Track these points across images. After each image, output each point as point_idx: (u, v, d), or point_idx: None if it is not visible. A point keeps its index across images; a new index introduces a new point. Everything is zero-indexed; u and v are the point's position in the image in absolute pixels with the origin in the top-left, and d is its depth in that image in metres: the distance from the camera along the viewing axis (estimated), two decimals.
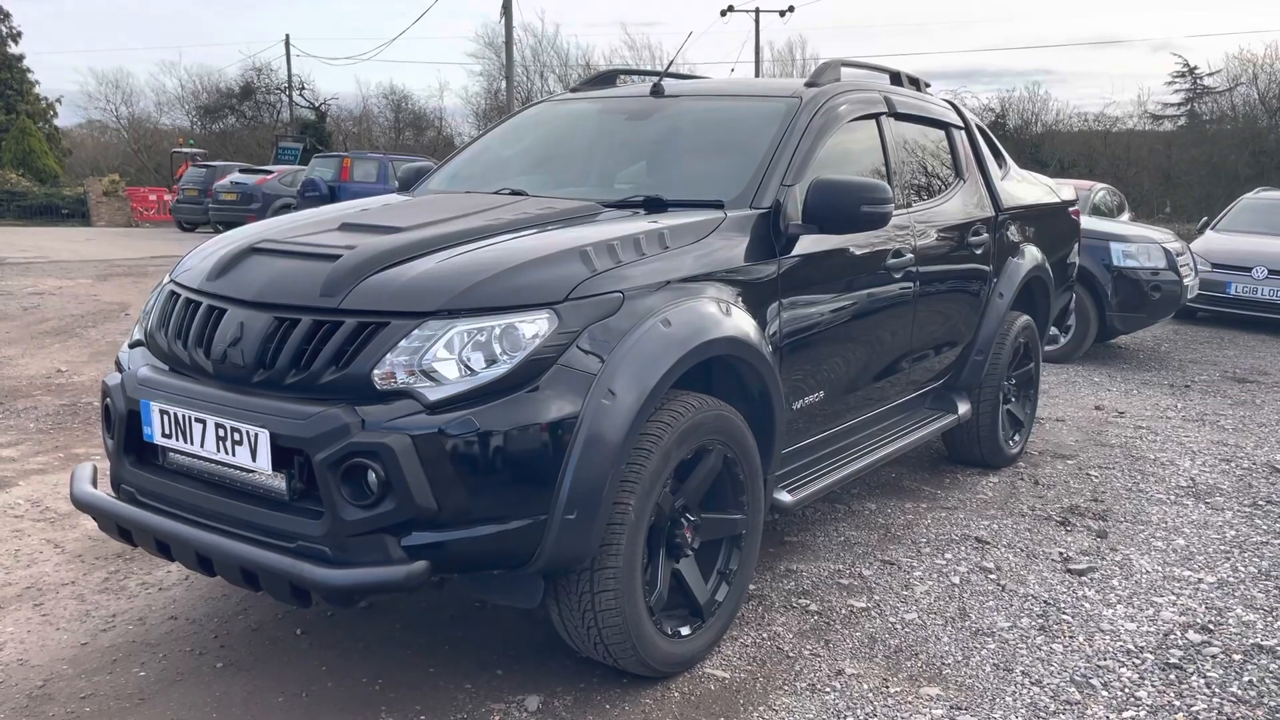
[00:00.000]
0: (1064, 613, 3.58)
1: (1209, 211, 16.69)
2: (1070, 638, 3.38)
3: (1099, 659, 3.24)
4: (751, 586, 3.67)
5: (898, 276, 4.13)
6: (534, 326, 2.63)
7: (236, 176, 22.43)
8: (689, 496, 3.04)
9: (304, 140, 34.71)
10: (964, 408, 5.01)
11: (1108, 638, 3.39)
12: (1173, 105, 33.32)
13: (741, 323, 3.13)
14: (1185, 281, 8.91)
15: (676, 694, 2.95)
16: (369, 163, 21.68)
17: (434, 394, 2.54)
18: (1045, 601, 3.67)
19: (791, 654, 3.21)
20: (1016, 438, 5.55)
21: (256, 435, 2.58)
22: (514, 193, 3.77)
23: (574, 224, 3.16)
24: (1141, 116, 33.23)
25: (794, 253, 3.47)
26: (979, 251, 4.89)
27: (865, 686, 3.01)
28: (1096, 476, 5.34)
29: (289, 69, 43.12)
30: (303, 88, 43.32)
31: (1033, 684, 3.06)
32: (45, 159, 32.67)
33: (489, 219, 3.17)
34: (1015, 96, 41.41)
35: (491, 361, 2.58)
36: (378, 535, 2.51)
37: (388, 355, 2.57)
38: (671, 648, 2.96)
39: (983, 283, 4.99)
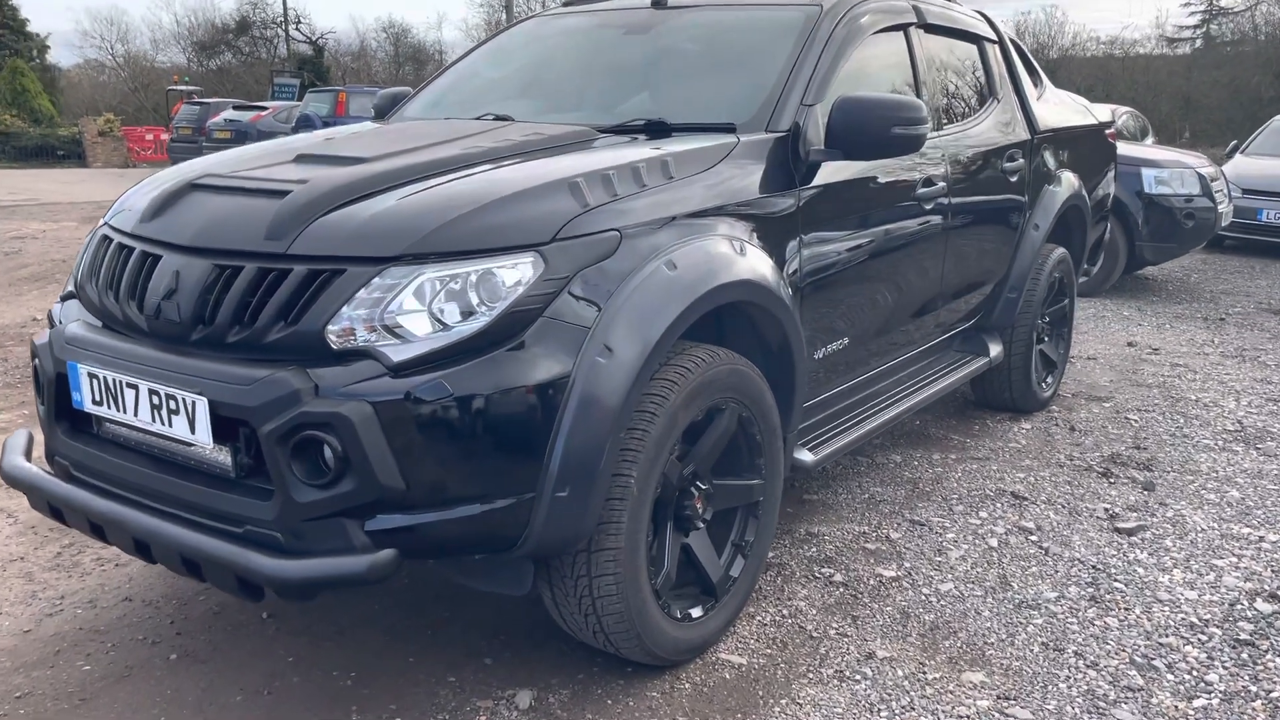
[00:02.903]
0: (1115, 579, 3.23)
1: (1232, 135, 16.04)
2: (1125, 610, 3.03)
3: (1160, 635, 2.89)
4: (770, 554, 3.33)
5: (928, 208, 3.72)
6: (516, 272, 2.24)
7: (230, 114, 21.79)
8: (699, 462, 2.67)
9: (301, 76, 33.92)
10: (995, 349, 4.62)
11: (1167, 609, 3.04)
12: (1188, 28, 32.28)
13: (758, 264, 2.74)
14: (1220, 209, 8.43)
15: (687, 685, 2.61)
16: (365, 97, 21.03)
17: (399, 354, 2.16)
18: (1094, 566, 3.32)
19: (816, 634, 2.87)
20: (1050, 380, 5.17)
21: (194, 403, 2.21)
22: (498, 118, 3.36)
23: (564, 152, 2.75)
24: (1159, 40, 32.22)
25: (815, 182, 3.06)
26: (1014, 179, 4.46)
27: (900, 673, 2.67)
28: (1136, 420, 4.96)
29: (285, 2, 42.08)
30: (299, 22, 42.41)
31: (1088, 667, 2.72)
32: (39, 99, 31.93)
33: (466, 148, 2.76)
34: (1031, 20, 40.23)
35: (466, 314, 2.19)
36: (337, 519, 2.16)
37: (344, 309, 2.18)
38: (681, 633, 2.62)
39: (1018, 213, 4.56)
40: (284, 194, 2.36)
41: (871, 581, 3.18)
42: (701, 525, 2.70)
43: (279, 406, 2.11)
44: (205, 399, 2.19)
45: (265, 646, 2.75)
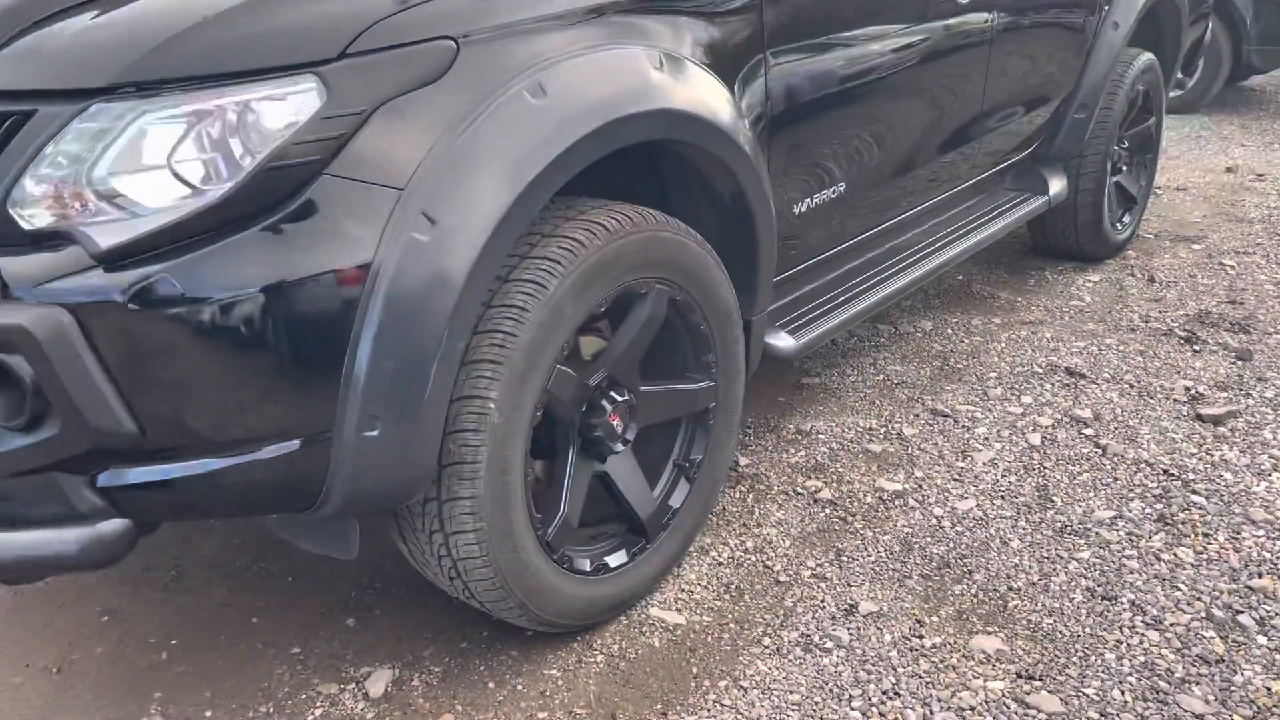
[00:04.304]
0: (1194, 490, 2.48)
1: None
2: (1204, 536, 2.30)
3: (1251, 575, 2.16)
4: (743, 461, 2.64)
5: (964, 1, 2.81)
6: (283, 108, 1.49)
7: None
8: (615, 366, 1.96)
9: None
10: (1057, 185, 3.73)
11: (1263, 535, 2.30)
12: None
13: (692, 85, 1.94)
14: None
15: (600, 656, 1.98)
16: None
17: (108, 235, 1.45)
18: (1165, 472, 2.56)
19: (784, 577, 2.20)
20: (1127, 219, 4.26)
21: None
22: None
23: None
24: None
25: None
26: None
27: (887, 638, 2.00)
28: (1232, 267, 4.06)
29: None
30: None
31: (1148, 625, 2.01)
32: None
33: None
34: None
35: (209, 175, 1.47)
36: (48, 475, 1.51)
37: (33, 168, 1.47)
38: (591, 590, 1.98)
39: (1089, 9, 3.58)
40: None
41: (868, 499, 2.48)
42: (622, 447, 2.01)
43: None
44: None
45: (77, 599, 2.19)
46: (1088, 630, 2.01)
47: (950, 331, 3.49)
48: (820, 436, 2.78)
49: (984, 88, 3.06)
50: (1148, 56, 3.98)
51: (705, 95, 1.95)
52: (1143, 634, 1.99)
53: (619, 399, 1.97)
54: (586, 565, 1.97)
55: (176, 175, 1.47)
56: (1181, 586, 2.13)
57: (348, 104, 1.51)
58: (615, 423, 1.97)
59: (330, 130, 1.49)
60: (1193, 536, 2.29)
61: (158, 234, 1.44)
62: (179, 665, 1.98)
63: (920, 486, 2.53)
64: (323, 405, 1.53)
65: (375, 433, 1.54)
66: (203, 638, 2.06)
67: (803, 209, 2.42)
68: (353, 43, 1.52)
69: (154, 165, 1.47)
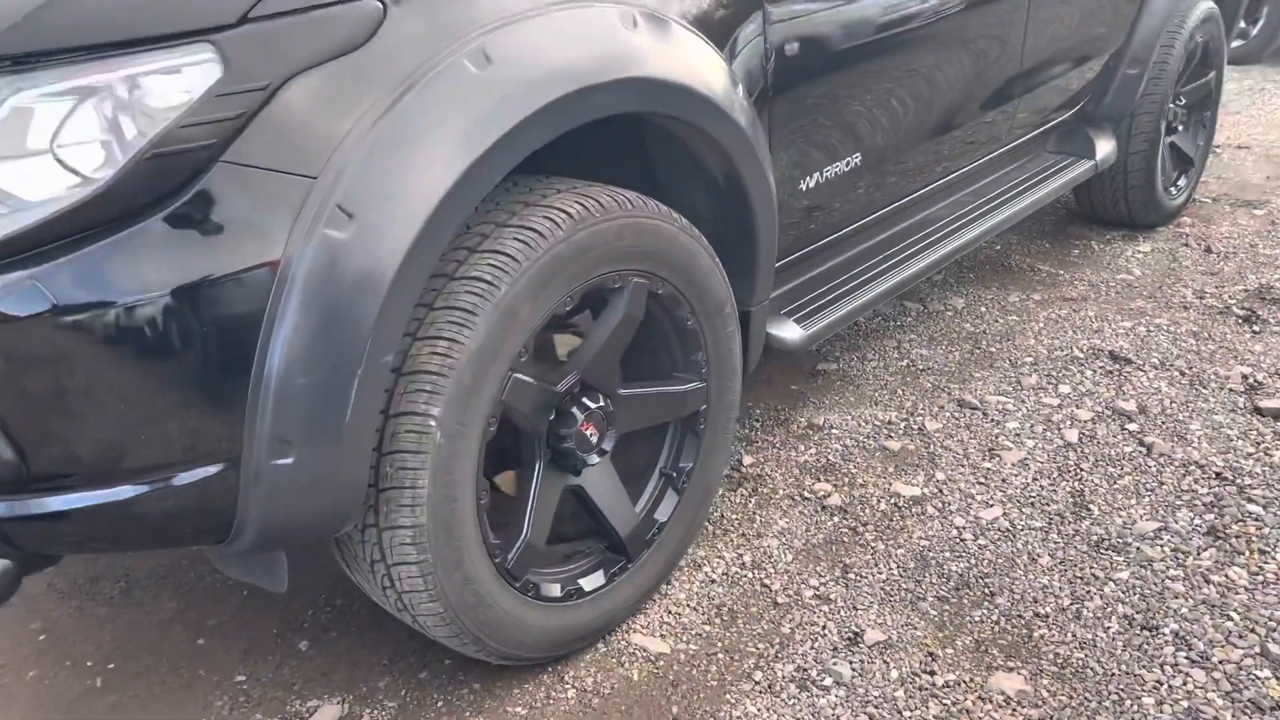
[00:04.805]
0: (1250, 499, 2.21)
1: None
2: (1262, 553, 2.04)
3: None
4: (746, 460, 2.42)
5: None
6: (171, 84, 1.27)
7: None
8: (589, 369, 1.74)
9: None
10: (1105, 148, 3.42)
11: None
12: None
13: (674, 49, 1.69)
14: None
15: (571, 692, 1.78)
16: None
17: None
18: (1217, 474, 2.30)
19: (783, 598, 1.98)
20: (1182, 182, 3.93)
21: None
22: None
23: None
24: None
25: None
26: None
27: (894, 674, 1.78)
28: None
29: None
30: None
31: (1193, 663, 1.77)
32: None
33: None
34: None
35: (96, 161, 1.26)
36: None
37: None
38: (561, 618, 1.77)
39: None
40: None
41: (882, 506, 2.25)
42: (598, 458, 1.80)
43: None
44: None
45: (16, 614, 2.03)
46: (1123, 667, 1.77)
47: (984, 309, 3.22)
48: (834, 432, 2.54)
49: (1024, 39, 2.76)
50: (1207, 5, 3.63)
51: (689, 59, 1.71)
52: (1187, 673, 1.75)
53: (592, 406, 1.75)
54: (556, 591, 1.77)
55: (60, 162, 1.27)
56: (1233, 615, 1.88)
57: (249, 78, 1.28)
58: (589, 432, 1.76)
59: (227, 109, 1.27)
60: (1247, 554, 2.04)
61: (17, 237, 1.24)
62: (112, 694, 1.82)
63: (941, 491, 2.29)
64: (227, 430, 1.33)
65: (289, 460, 1.34)
66: (143, 661, 1.89)
67: (811, 184, 2.17)
68: (256, 5, 1.30)
69: (35, 151, 1.27)
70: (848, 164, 2.24)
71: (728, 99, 1.77)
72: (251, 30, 1.29)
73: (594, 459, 1.79)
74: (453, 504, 1.52)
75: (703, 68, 1.73)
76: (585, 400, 1.75)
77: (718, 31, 1.81)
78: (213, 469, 1.34)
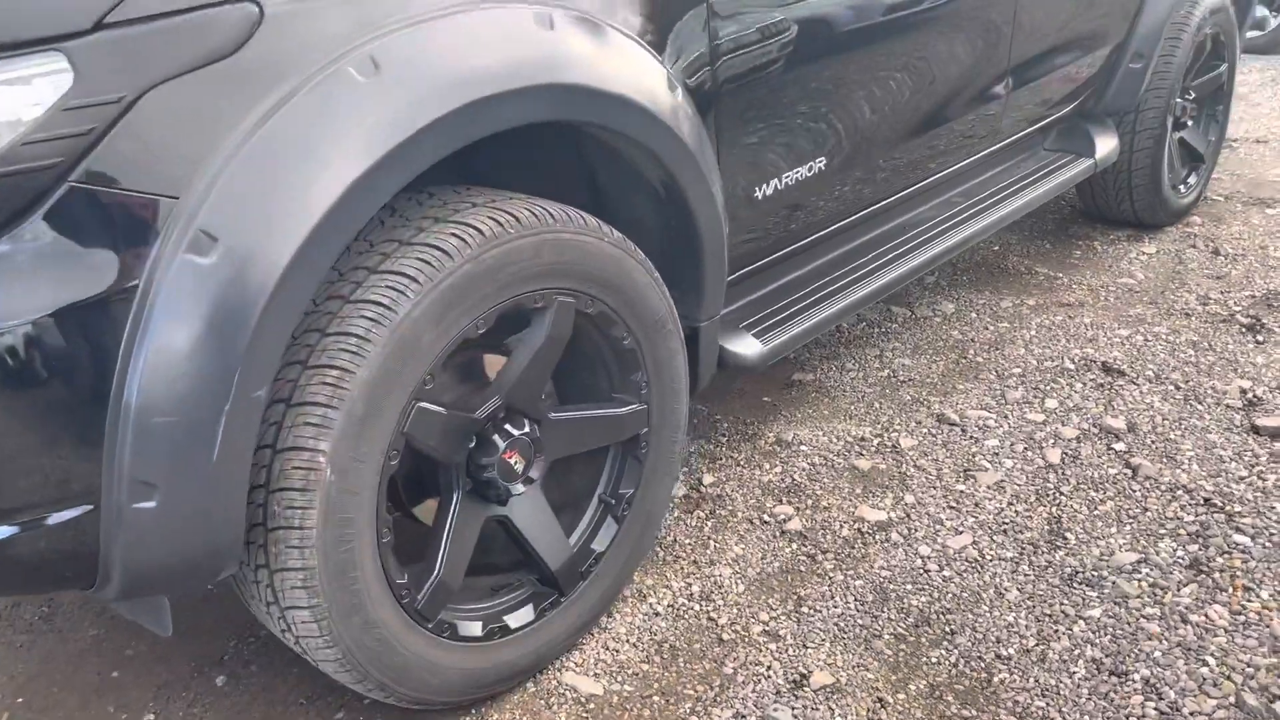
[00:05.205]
0: (1238, 529, 2.07)
1: None
2: (1245, 590, 1.90)
3: None
4: (707, 479, 2.30)
5: None
6: (20, 97, 1.17)
7: None
8: (512, 394, 1.62)
9: None
10: (1106, 146, 3.26)
11: None
12: None
13: (598, 51, 1.57)
14: None
15: None
16: None
17: None
18: (1206, 501, 2.15)
19: (730, 634, 1.86)
20: (1192, 179, 3.76)
21: None
22: None
23: None
24: None
25: None
26: None
27: None
28: None
29: None
30: None
31: (1162, 715, 1.64)
32: None
33: None
34: None
35: None
36: None
37: None
38: (482, 659, 1.67)
39: None
40: None
41: (844, 531, 2.12)
42: (524, 487, 1.69)
43: None
44: None
45: None
46: (1087, 718, 1.64)
47: (974, 315, 3.07)
48: (803, 448, 2.42)
49: (1011, 32, 2.62)
50: None
51: (615, 62, 1.59)
52: None
53: (516, 433, 1.64)
54: (476, 630, 1.66)
55: None
56: (1209, 660, 1.74)
57: (103, 89, 1.18)
58: (513, 460, 1.65)
59: (78, 124, 1.17)
60: (1230, 590, 1.90)
61: None
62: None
63: (909, 516, 2.16)
64: (90, 469, 1.23)
65: (151, 504, 1.24)
66: (52, 696, 1.80)
67: (768, 191, 2.04)
68: (113, 9, 1.19)
69: None
70: (810, 169, 2.11)
71: (660, 104, 1.64)
72: (107, 38, 1.18)
73: (520, 488, 1.68)
74: (347, 545, 1.41)
75: (631, 71, 1.61)
76: (509, 427, 1.64)
77: (653, 31, 1.68)
78: (80, 510, 1.24)
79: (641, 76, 1.62)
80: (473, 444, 1.62)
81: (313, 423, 1.34)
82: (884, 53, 2.19)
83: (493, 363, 1.70)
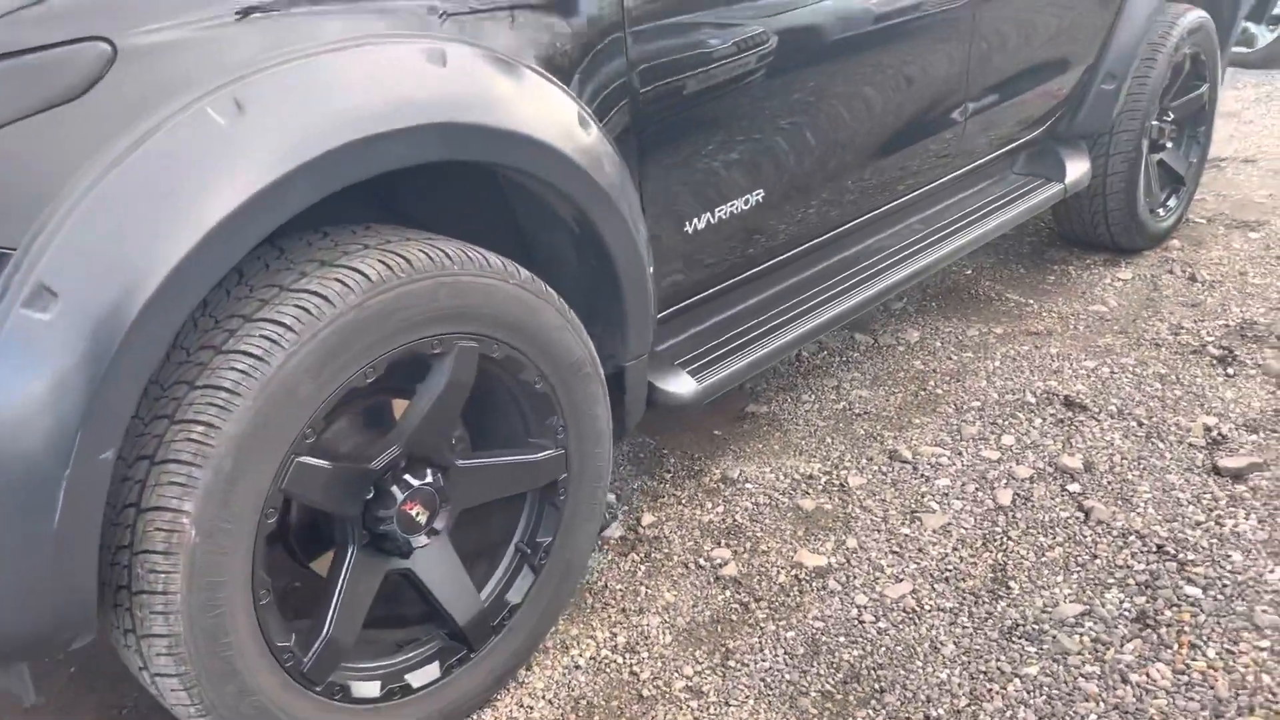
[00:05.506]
0: (1189, 579, 1.98)
1: None
2: (1192, 646, 1.81)
3: (1239, 712, 1.67)
4: (646, 519, 2.22)
5: None
6: None
7: None
8: (413, 443, 1.55)
9: None
10: (1077, 170, 3.18)
11: (1266, 648, 1.80)
12: None
13: (495, 85, 1.50)
14: None
15: None
16: None
17: None
18: (1159, 549, 2.07)
19: (650, 690, 1.78)
20: (1172, 202, 3.67)
21: None
22: None
23: None
24: None
25: None
26: None
27: None
28: None
29: None
30: None
31: None
32: None
33: None
34: None
35: None
36: None
37: None
38: None
39: None
40: None
41: (781, 578, 2.04)
42: (427, 539, 1.61)
43: None
44: None
45: None
46: None
47: (939, 344, 2.99)
48: (748, 487, 2.34)
49: (968, 54, 2.54)
50: (1197, 14, 3.37)
51: (518, 98, 1.51)
52: None
53: (416, 483, 1.56)
54: (374, 690, 1.59)
55: None
56: None
57: None
58: (414, 511, 1.57)
59: None
60: (1176, 647, 1.81)
61: None
62: None
63: (849, 561, 2.08)
64: None
65: None
66: None
67: (700, 225, 1.96)
68: None
69: None
70: (747, 202, 2.04)
71: (569, 141, 1.57)
72: None
73: (423, 540, 1.60)
74: (217, 609, 1.34)
75: (535, 107, 1.53)
76: (408, 477, 1.56)
77: (563, 63, 1.61)
78: None
79: (547, 113, 1.55)
80: (370, 495, 1.54)
81: (177, 481, 1.27)
82: (825, 78, 2.11)
83: (402, 408, 1.63)
